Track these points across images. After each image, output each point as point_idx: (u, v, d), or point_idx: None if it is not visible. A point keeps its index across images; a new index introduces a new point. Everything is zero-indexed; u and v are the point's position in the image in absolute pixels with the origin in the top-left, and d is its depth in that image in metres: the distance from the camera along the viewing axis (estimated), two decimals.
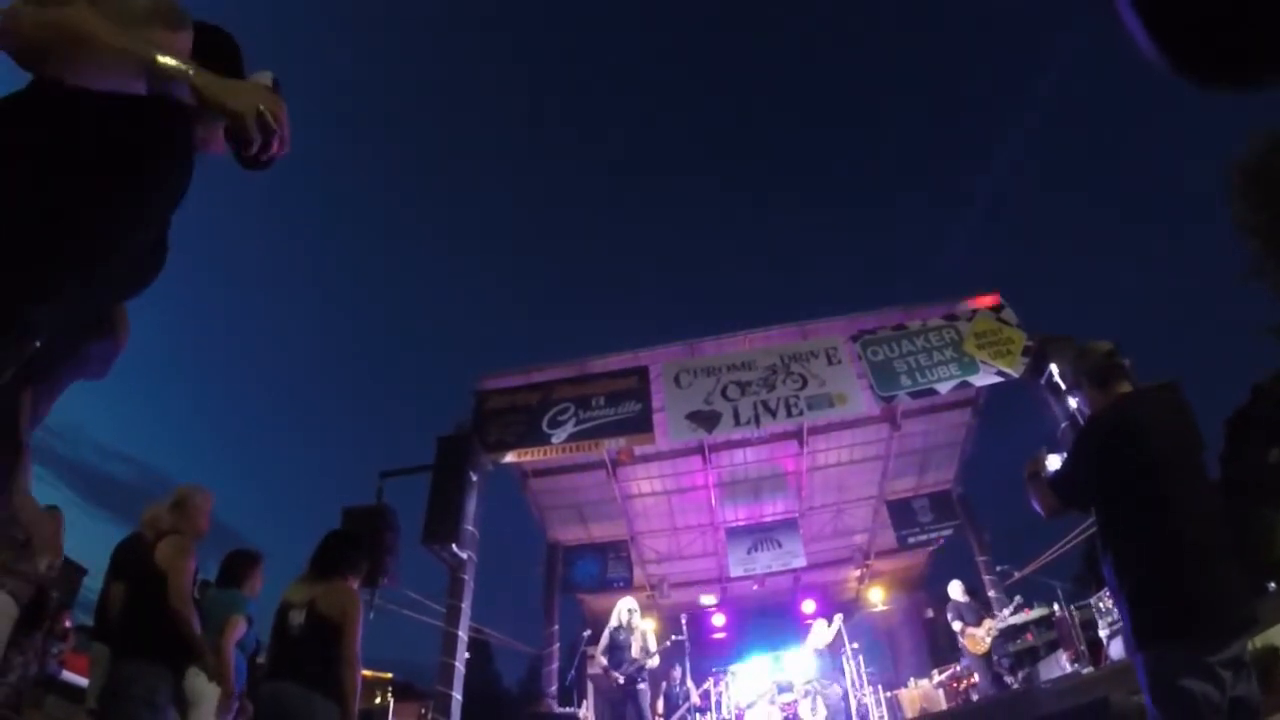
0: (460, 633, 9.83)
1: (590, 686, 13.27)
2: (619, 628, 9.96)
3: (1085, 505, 3.07)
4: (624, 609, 10.09)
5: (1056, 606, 9.80)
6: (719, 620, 14.51)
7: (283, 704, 3.68)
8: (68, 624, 7.64)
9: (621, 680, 9.61)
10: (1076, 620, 9.31)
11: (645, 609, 14.22)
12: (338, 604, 3.91)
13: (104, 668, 4.17)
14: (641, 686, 9.59)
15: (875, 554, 14.24)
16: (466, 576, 10.23)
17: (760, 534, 13.87)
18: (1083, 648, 9.04)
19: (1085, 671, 8.33)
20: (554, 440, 11.38)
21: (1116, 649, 8.11)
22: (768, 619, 14.07)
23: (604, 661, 9.95)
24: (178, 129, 1.45)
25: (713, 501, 13.85)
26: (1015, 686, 9.42)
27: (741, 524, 14.17)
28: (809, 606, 13.77)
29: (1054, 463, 3.26)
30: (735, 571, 13.70)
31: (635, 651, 9.78)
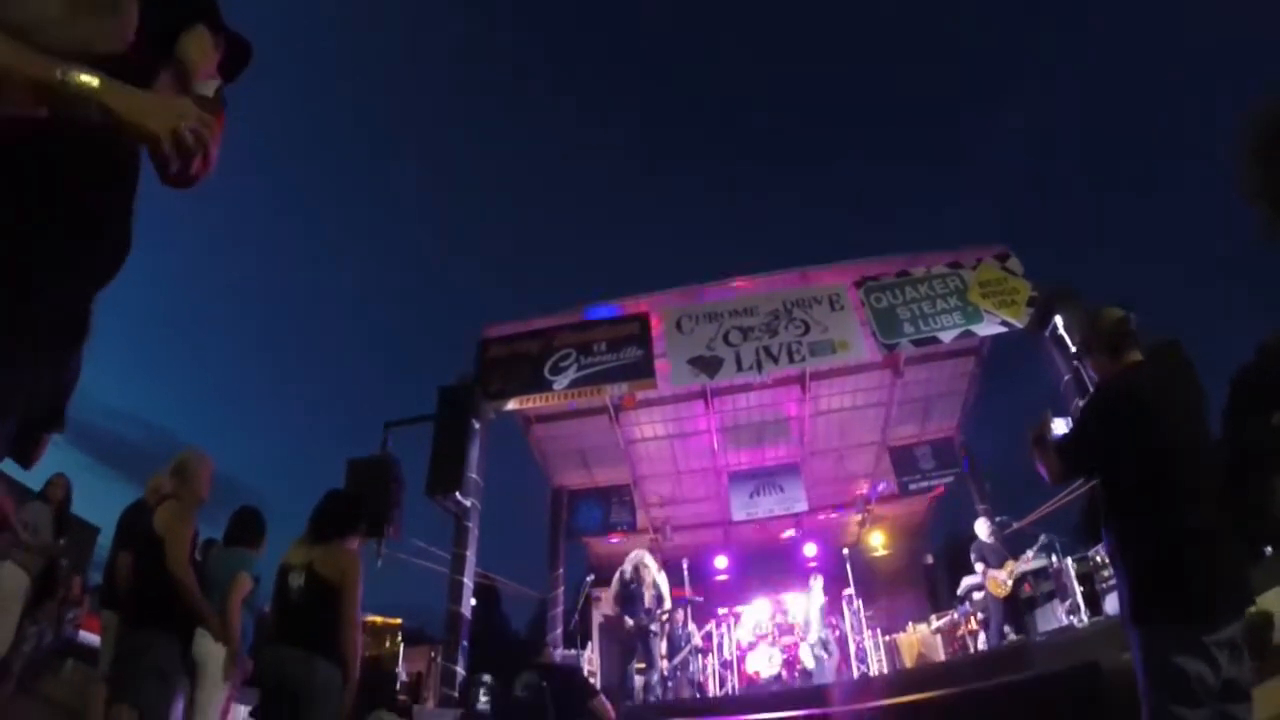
0: (466, 580, 9.98)
1: (595, 630, 13.55)
2: (629, 580, 10.09)
3: (1091, 473, 3.04)
4: (634, 562, 10.21)
5: (1054, 558, 9.87)
6: (721, 563, 14.70)
7: (284, 668, 3.72)
8: (81, 588, 7.75)
9: (634, 626, 9.80)
10: (1074, 573, 9.39)
11: (649, 551, 14.48)
12: (336, 566, 3.91)
13: (114, 635, 4.23)
14: (654, 629, 9.79)
15: (877, 499, 14.33)
16: (471, 524, 10.35)
17: (762, 478, 13.97)
18: (1078, 600, 9.14)
19: (1080, 625, 8.44)
20: (556, 387, 11.40)
21: (1112, 604, 8.19)
22: (769, 562, 14.25)
23: (617, 609, 10.13)
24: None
25: (715, 446, 13.91)
26: (1012, 637, 9.54)
27: (744, 468, 14.26)
28: (810, 550, 13.95)
29: (1059, 426, 3.23)
30: (737, 515, 13.84)
31: (648, 601, 9.95)
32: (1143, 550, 2.70)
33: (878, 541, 15.18)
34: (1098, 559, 8.88)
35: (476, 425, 10.83)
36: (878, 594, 13.45)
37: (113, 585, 4.52)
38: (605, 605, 12.52)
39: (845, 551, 12.37)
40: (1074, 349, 9.63)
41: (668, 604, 10.27)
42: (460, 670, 9.34)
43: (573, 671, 6.42)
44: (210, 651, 4.25)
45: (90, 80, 1.23)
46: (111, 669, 4.14)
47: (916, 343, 10.89)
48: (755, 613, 12.40)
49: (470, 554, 10.21)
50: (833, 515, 15.08)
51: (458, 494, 10.07)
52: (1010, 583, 9.79)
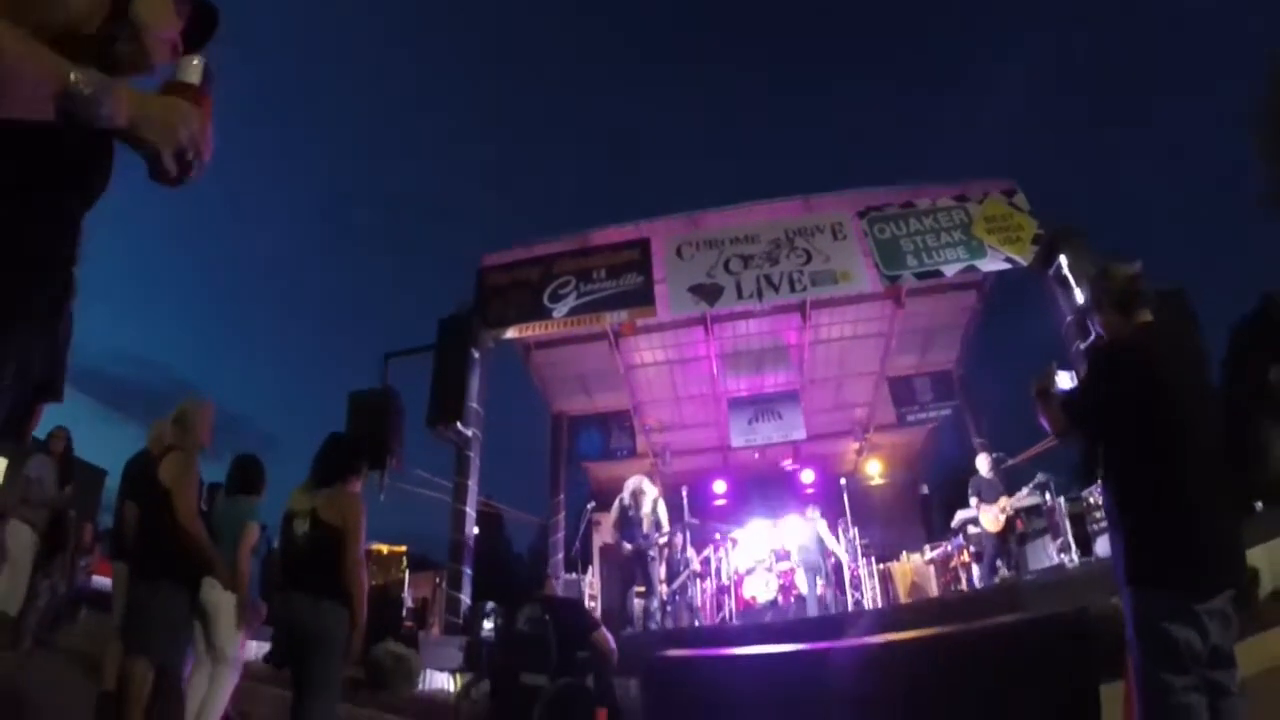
0: (468, 509, 10.14)
1: (596, 554, 13.86)
2: (628, 505, 10.23)
3: (1096, 434, 3.03)
4: (632, 487, 10.32)
5: (1048, 496, 10.01)
6: (720, 487, 14.92)
7: (293, 613, 3.79)
8: (92, 535, 7.86)
9: (631, 551, 9.99)
10: (1066, 512, 9.52)
11: (648, 476, 14.66)
12: (339, 511, 3.95)
13: (124, 586, 4.30)
14: (652, 554, 9.99)
15: (874, 428, 14.46)
16: (472, 454, 10.45)
17: (761, 405, 14.05)
18: (1069, 539, 9.31)
19: (1070, 565, 8.61)
20: (555, 314, 11.36)
21: (1102, 546, 8.33)
22: (767, 487, 14.45)
23: (616, 535, 10.31)
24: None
25: (715, 372, 13.94)
26: (1004, 573, 9.74)
27: (743, 395, 14.33)
28: (808, 476, 14.15)
29: (1063, 380, 3.21)
30: (736, 442, 13.96)
31: (646, 526, 10.11)
32: (1142, 514, 2.72)
33: (874, 470, 15.40)
34: (1090, 500, 9.00)
35: (476, 355, 10.84)
36: (873, 523, 13.66)
37: (121, 536, 4.58)
38: (605, 531, 12.75)
39: (842, 481, 12.57)
40: (1079, 293, 9.59)
41: (665, 529, 10.46)
42: (465, 599, 9.58)
43: (574, 604, 6.57)
44: (221, 600, 4.33)
45: (102, 85, 1.17)
46: (123, 621, 4.22)
47: (919, 275, 10.80)
48: (752, 537, 12.63)
49: (472, 483, 10.35)
50: (830, 443, 15.24)
51: (459, 424, 10.14)
52: (1004, 519, 9.93)
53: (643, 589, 9.99)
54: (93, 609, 7.91)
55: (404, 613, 10.98)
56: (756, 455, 14.81)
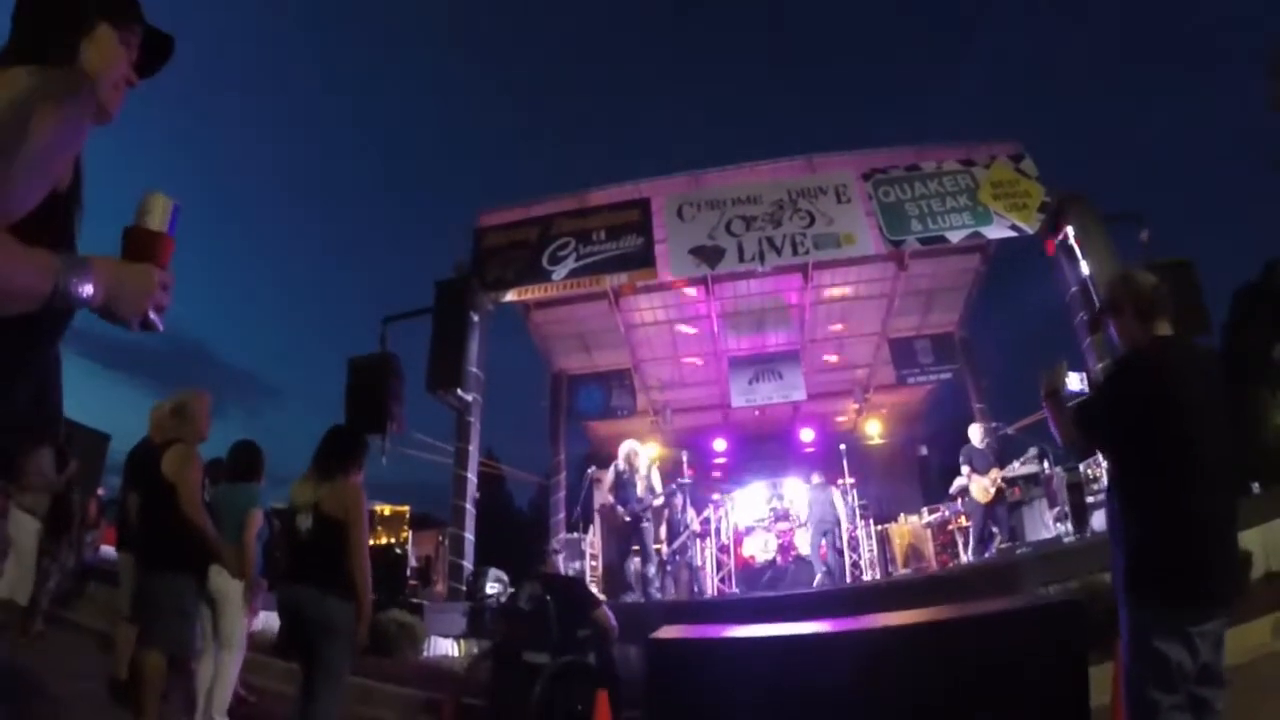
0: (469, 475, 10.20)
1: (597, 516, 13.97)
2: (624, 470, 10.28)
3: (1105, 445, 3.02)
4: (626, 452, 10.36)
5: (1046, 465, 10.07)
6: (720, 445, 15.01)
7: (300, 606, 3.84)
8: (97, 509, 7.89)
9: (628, 518, 10.07)
10: (1064, 483, 9.59)
11: (649, 434, 14.73)
12: (341, 504, 3.97)
13: (131, 576, 4.34)
14: (646, 525, 10.05)
15: (874, 389, 14.48)
16: (472, 419, 10.48)
17: (762, 365, 14.02)
18: (1066, 509, 9.40)
19: (1067, 540, 8.69)
20: (554, 277, 11.29)
21: (1098, 520, 8.39)
22: (767, 446, 14.55)
23: (610, 499, 10.38)
24: None
25: (715, 331, 13.90)
26: (1001, 544, 9.83)
27: (744, 354, 14.30)
28: (807, 435, 14.21)
29: (1073, 381, 3.18)
30: (737, 401, 13.97)
31: (640, 491, 10.17)
32: (1145, 530, 2.72)
33: (873, 430, 15.46)
34: (1088, 473, 9.05)
35: (475, 318, 10.79)
36: (870, 482, 13.77)
37: (126, 525, 4.61)
38: (605, 491, 12.87)
39: (842, 447, 12.65)
40: (1085, 265, 9.55)
41: (659, 493, 10.49)
42: (467, 564, 9.70)
43: (575, 582, 6.63)
44: (229, 587, 4.38)
45: (81, 271, 1.22)
46: (134, 612, 4.28)
47: (923, 241, 10.70)
48: (752, 497, 12.75)
49: (472, 448, 10.40)
50: (830, 403, 15.27)
51: (459, 390, 10.14)
52: (993, 489, 10.02)
53: (638, 552, 10.09)
54: (100, 582, 8.00)
55: (408, 572, 11.15)
56: (757, 414, 14.85)
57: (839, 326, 13.79)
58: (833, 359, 14.50)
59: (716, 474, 14.50)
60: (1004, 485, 10.15)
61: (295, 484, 4.14)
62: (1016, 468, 10.33)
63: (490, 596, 8.83)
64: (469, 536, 9.89)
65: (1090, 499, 8.92)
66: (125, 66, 1.48)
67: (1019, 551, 8.99)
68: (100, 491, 10.76)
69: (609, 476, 10.48)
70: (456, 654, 8.07)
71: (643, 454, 10.49)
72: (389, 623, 7.25)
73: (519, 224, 11.77)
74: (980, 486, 10.09)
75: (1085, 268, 9.58)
